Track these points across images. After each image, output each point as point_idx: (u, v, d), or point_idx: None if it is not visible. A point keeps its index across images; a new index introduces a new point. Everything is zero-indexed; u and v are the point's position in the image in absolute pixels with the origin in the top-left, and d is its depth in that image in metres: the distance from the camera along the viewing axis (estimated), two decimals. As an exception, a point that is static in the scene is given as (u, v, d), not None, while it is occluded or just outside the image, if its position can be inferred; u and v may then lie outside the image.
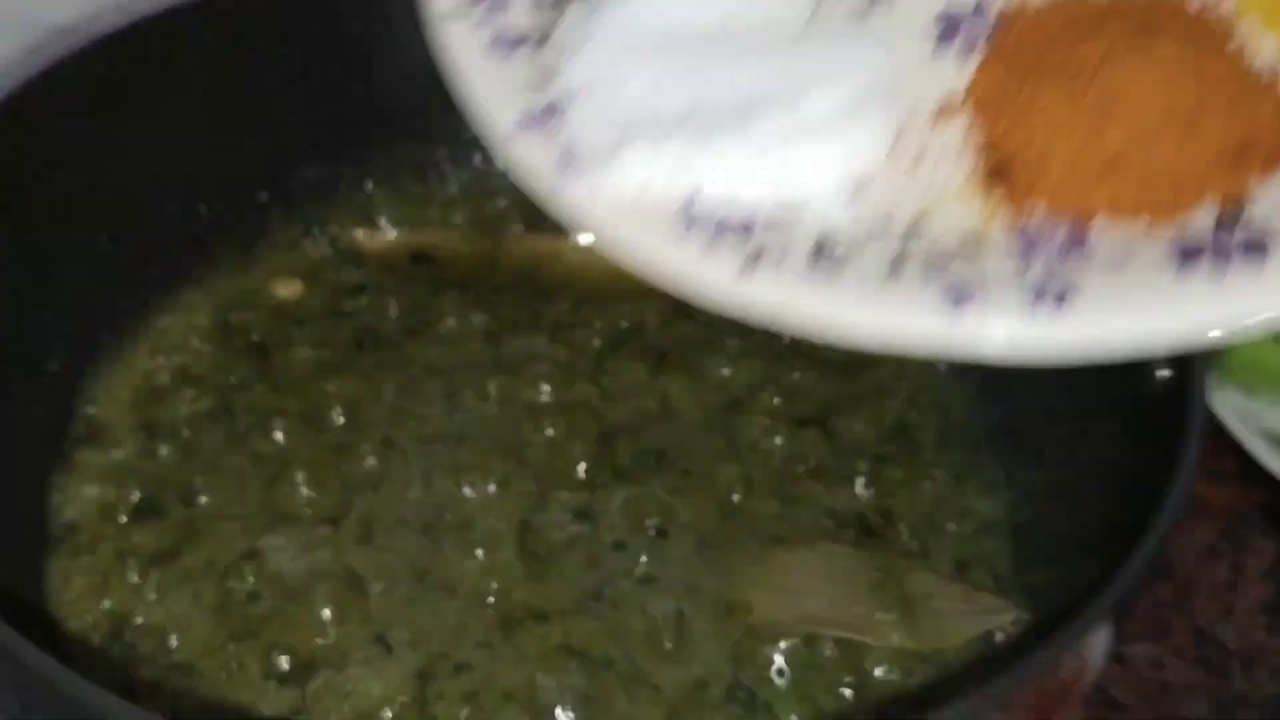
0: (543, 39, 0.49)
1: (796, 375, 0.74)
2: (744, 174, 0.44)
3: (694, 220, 0.43)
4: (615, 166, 0.44)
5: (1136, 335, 0.40)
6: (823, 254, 0.42)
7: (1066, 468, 0.66)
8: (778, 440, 0.69)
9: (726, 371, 0.73)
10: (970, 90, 0.47)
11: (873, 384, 0.74)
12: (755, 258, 0.42)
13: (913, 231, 0.43)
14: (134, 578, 0.61)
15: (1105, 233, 0.41)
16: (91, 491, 0.64)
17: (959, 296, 0.40)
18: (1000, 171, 0.45)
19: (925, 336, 0.40)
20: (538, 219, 0.84)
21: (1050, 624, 0.58)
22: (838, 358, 0.76)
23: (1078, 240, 0.42)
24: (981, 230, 0.43)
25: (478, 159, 0.86)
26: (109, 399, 0.69)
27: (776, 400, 0.72)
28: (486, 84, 0.48)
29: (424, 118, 0.83)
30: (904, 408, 0.73)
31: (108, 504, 0.64)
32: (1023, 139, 0.45)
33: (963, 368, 0.75)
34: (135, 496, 0.64)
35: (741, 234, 0.42)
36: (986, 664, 0.59)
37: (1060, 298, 0.39)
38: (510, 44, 0.49)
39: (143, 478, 0.65)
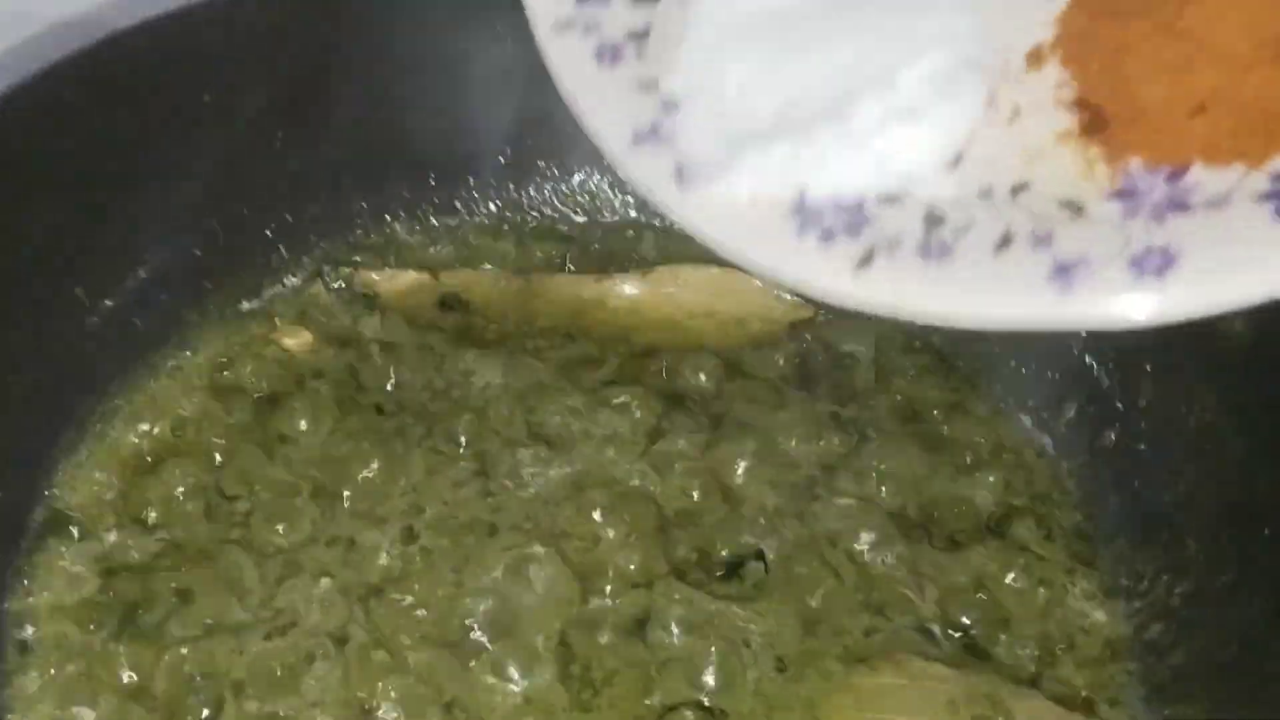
0: (642, 37, 0.50)
1: (873, 451, 0.64)
2: (849, 167, 0.45)
3: (806, 220, 0.45)
4: (726, 176, 0.45)
5: (1239, 293, 0.40)
6: (932, 236, 0.44)
7: (1213, 573, 0.56)
8: (863, 534, 0.59)
9: (794, 444, 0.63)
10: (1056, 42, 0.46)
11: (961, 463, 0.64)
12: (869, 251, 0.43)
13: (1015, 197, 0.44)
14: (105, 708, 0.51)
15: (1202, 185, 0.42)
16: (56, 600, 0.55)
17: (1066, 274, 0.41)
18: (1095, 125, 0.45)
19: (1038, 317, 0.41)
20: (579, 258, 0.76)
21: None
22: (917, 431, 0.66)
23: (1176, 195, 0.43)
24: (1081, 189, 0.44)
25: (510, 190, 0.76)
26: (83, 480, 0.59)
27: (855, 483, 0.62)
28: (596, 102, 0.49)
29: (448, 143, 0.74)
30: (1002, 493, 0.63)
31: (77, 616, 0.54)
32: (1113, 86, 0.44)
33: (1067, 448, 0.65)
34: (110, 604, 0.55)
35: (853, 227, 0.44)
36: None
37: (1162, 266, 0.40)
38: (613, 53, 0.50)
39: (120, 579, 0.56)
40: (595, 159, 0.76)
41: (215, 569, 0.56)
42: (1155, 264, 0.41)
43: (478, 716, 0.52)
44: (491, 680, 0.53)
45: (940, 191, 0.45)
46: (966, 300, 0.42)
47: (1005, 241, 0.43)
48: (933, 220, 0.44)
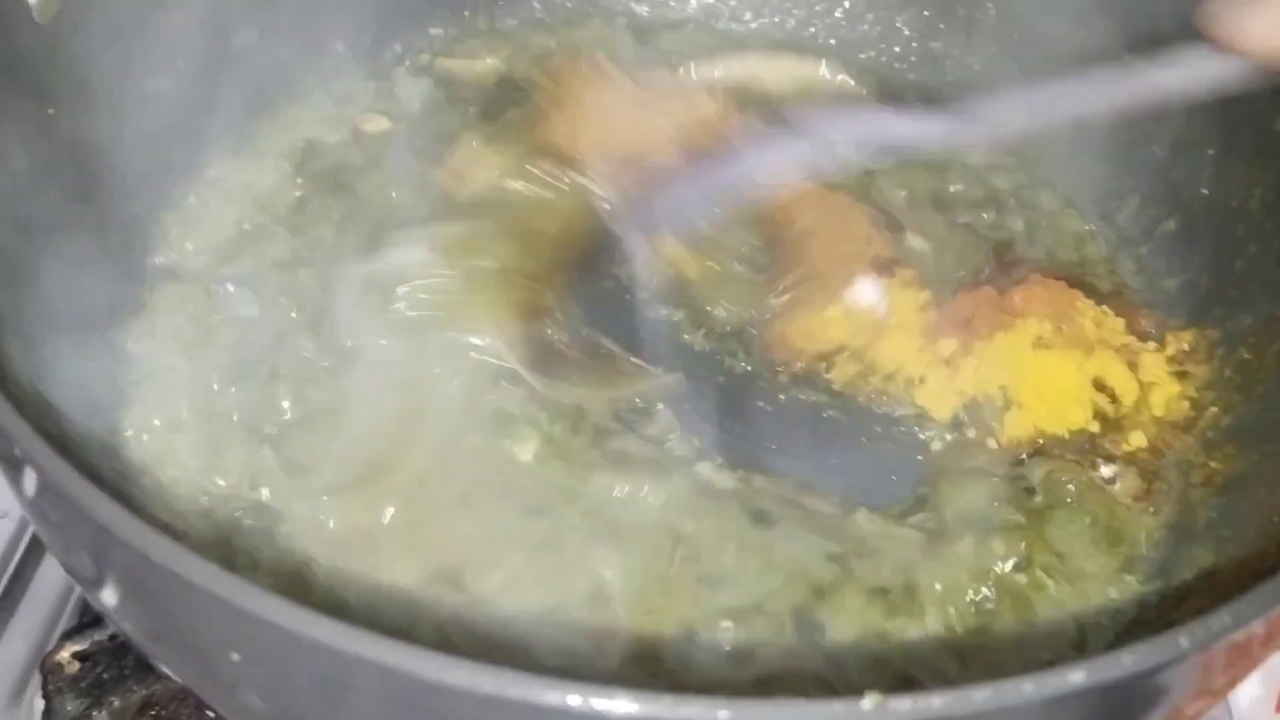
0: None
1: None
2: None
3: None
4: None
5: None
6: None
7: (1266, 344, 0.58)
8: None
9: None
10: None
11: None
12: None
13: None
14: (219, 420, 0.55)
15: None
16: (170, 329, 0.58)
17: None
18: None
19: None
20: (642, 51, 0.77)
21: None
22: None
23: None
24: None
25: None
26: (183, 244, 0.62)
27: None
28: None
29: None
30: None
31: (187, 345, 0.57)
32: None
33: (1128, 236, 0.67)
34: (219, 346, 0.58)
35: None
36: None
37: None
38: None
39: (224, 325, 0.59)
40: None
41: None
42: None
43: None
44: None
45: None
46: None
47: None
48: None
